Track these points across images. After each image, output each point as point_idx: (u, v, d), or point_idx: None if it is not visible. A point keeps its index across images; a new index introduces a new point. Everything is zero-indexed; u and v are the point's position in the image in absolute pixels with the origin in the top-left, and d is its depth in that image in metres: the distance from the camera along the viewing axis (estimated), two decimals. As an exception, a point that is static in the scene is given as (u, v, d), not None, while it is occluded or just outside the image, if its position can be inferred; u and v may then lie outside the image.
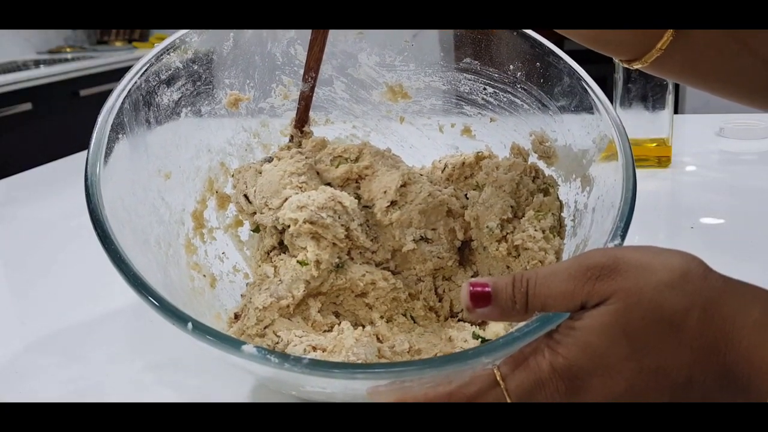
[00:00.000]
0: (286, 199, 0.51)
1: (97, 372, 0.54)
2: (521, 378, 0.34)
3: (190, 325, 0.37)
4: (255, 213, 0.54)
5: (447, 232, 0.54)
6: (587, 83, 0.53)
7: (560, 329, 0.34)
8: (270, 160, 0.55)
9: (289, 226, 0.49)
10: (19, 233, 0.86)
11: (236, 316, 0.51)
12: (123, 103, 0.47)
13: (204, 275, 0.53)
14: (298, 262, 0.49)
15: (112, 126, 0.46)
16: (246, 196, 0.54)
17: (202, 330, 0.37)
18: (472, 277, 0.55)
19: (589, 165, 0.52)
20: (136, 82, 0.49)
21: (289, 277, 0.49)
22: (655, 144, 0.94)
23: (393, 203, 0.52)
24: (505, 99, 0.58)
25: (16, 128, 2.27)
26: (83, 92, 2.53)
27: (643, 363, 0.32)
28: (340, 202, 0.50)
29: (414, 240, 0.53)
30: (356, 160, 0.55)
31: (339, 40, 0.58)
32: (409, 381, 0.35)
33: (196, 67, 0.54)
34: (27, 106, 2.31)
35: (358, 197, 0.54)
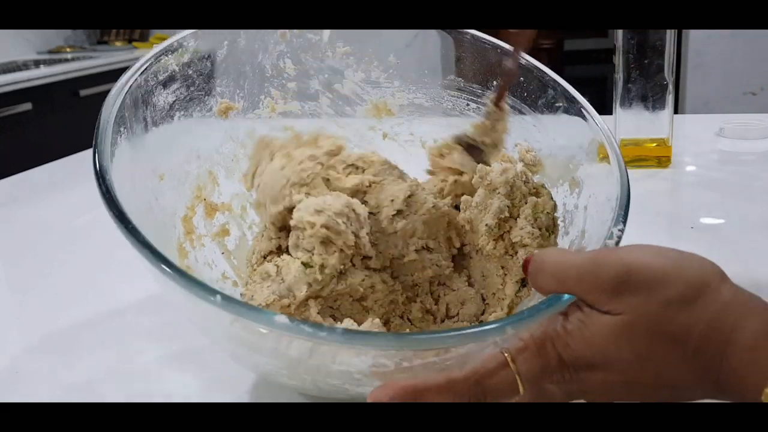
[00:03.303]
0: (286, 207, 0.51)
1: (99, 371, 0.54)
2: (532, 362, 0.35)
3: (218, 297, 0.35)
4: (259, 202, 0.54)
5: (445, 241, 0.55)
6: (570, 93, 0.54)
7: (571, 319, 0.35)
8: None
9: (304, 229, 0.49)
10: (19, 233, 0.86)
11: None
12: (125, 98, 0.47)
13: None
14: (302, 263, 0.49)
15: (115, 119, 0.46)
16: (253, 175, 0.54)
17: (231, 302, 0.35)
18: (466, 281, 0.55)
19: (576, 169, 0.53)
20: (136, 80, 0.49)
21: (291, 277, 0.49)
22: (655, 144, 0.94)
23: (399, 212, 0.52)
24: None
25: (16, 128, 2.27)
26: (83, 92, 2.53)
27: (645, 366, 0.33)
28: (353, 210, 0.50)
29: (416, 250, 0.53)
30: (366, 170, 0.56)
31: (327, 56, 0.59)
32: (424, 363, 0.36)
33: (190, 72, 0.54)
34: (27, 106, 2.31)
35: (364, 203, 0.54)
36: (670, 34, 0.89)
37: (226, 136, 0.59)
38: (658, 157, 0.94)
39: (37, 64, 2.59)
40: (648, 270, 0.33)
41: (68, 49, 3.03)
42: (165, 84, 0.52)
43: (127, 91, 0.47)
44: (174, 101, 0.53)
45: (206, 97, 0.56)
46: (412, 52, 0.61)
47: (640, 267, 0.33)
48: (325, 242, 0.49)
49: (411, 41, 0.61)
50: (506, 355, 0.35)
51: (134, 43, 3.17)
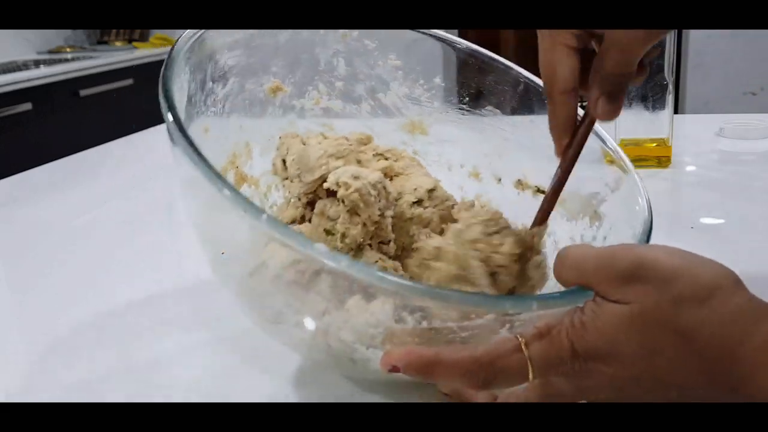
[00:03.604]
0: (321, 176, 0.52)
1: (99, 371, 0.54)
2: (545, 349, 0.35)
3: (264, 216, 0.36)
4: (287, 178, 0.55)
5: None
6: (598, 133, 0.55)
7: (585, 311, 0.35)
8: None
9: (334, 192, 0.50)
10: (19, 233, 0.86)
11: None
12: (195, 42, 0.48)
13: None
14: (324, 230, 0.50)
15: (185, 51, 0.46)
16: (284, 161, 0.55)
17: (276, 224, 0.36)
18: None
19: (600, 204, 0.53)
20: (206, 32, 0.50)
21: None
22: (655, 144, 0.94)
23: (419, 201, 0.53)
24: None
25: (16, 128, 2.27)
26: (83, 92, 2.53)
27: (654, 359, 0.33)
28: (384, 187, 0.51)
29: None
30: (395, 161, 0.57)
31: (378, 64, 0.61)
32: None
33: (254, 44, 0.55)
34: (27, 106, 2.31)
35: None
36: (670, 34, 0.89)
37: (268, 116, 0.60)
38: (658, 157, 0.94)
39: (37, 64, 2.59)
40: (660, 265, 0.34)
41: (68, 49, 3.03)
42: (231, 47, 0.53)
43: (199, 37, 0.48)
44: (233, 65, 0.54)
45: (261, 72, 0.57)
46: (454, 77, 0.62)
47: (653, 261, 0.34)
48: (352, 212, 0.50)
49: (412, 43, 0.61)
50: (520, 339, 0.35)
51: (134, 43, 3.17)
